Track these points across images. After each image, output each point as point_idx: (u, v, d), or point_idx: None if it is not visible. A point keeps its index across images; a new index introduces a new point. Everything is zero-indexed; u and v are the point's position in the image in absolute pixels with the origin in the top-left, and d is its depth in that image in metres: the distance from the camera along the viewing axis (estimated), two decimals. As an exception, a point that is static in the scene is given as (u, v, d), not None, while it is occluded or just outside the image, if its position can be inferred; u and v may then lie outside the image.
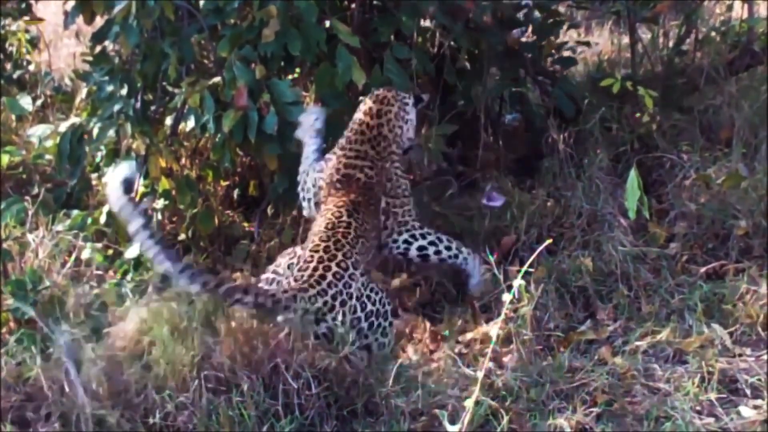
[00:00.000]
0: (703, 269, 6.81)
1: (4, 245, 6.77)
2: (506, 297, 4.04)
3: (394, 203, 6.63)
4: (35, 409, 5.53)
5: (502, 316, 4.04)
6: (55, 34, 11.55)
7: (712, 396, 5.63)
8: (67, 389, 5.46)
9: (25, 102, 9.17)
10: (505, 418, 5.45)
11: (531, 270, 6.46)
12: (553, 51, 8.49)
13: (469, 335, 6.46)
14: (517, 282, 3.98)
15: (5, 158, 8.44)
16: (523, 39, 8.38)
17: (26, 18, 10.13)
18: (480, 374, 4.00)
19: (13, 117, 9.39)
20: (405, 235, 6.62)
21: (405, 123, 6.83)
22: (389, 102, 6.78)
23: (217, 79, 7.11)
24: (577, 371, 5.95)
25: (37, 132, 8.40)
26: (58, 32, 11.41)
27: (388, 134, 6.71)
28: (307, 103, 7.93)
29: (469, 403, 3.87)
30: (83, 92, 8.91)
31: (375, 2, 7.69)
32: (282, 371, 5.55)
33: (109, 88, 7.56)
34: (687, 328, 6.27)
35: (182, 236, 7.83)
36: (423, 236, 6.65)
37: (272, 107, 6.75)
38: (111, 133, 7.49)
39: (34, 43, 10.42)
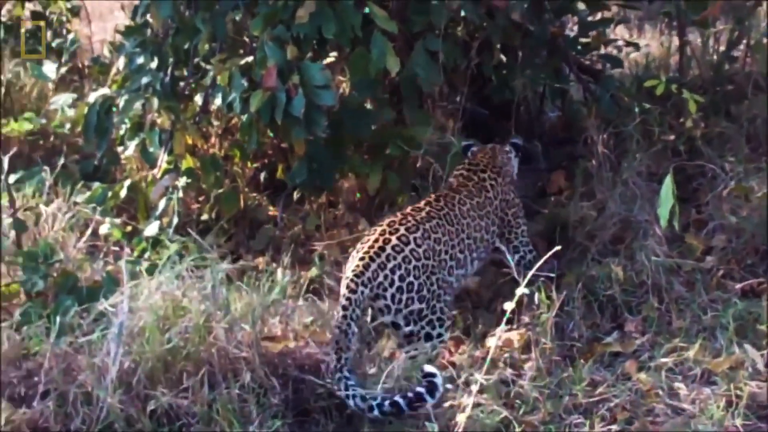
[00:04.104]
0: (739, 286, 6.56)
1: (20, 215, 6.62)
2: (508, 306, 3.82)
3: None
4: (32, 386, 5.39)
5: (503, 324, 3.85)
6: (105, 6, 11.47)
7: (738, 422, 5.39)
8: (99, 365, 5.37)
9: (49, 69, 9.04)
10: (518, 430, 5.26)
11: (553, 275, 6.33)
12: (599, 47, 8.25)
13: (490, 340, 6.26)
14: (520, 290, 3.75)
15: (25, 125, 8.29)
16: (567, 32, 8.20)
17: (67, -14, 10.05)
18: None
19: (50, 86, 9.25)
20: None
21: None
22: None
23: (250, 58, 6.94)
24: (599, 385, 5.76)
25: (59, 100, 8.28)
26: (109, 4, 11.32)
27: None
28: (343, 90, 7.78)
29: (461, 419, 3.67)
30: (120, 64, 8.75)
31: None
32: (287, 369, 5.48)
33: (140, 60, 7.43)
34: (717, 347, 6.02)
35: (205, 216, 7.65)
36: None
37: (301, 90, 6.56)
38: (137, 106, 7.35)
39: (75, 12, 10.30)
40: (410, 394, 5.38)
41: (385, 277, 5.90)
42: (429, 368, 5.50)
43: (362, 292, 5.80)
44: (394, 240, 6.01)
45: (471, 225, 6.50)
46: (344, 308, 5.71)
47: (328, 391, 5.51)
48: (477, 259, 6.60)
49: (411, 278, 5.98)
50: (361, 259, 5.93)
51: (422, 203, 6.43)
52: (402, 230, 6.08)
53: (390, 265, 5.93)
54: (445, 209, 6.39)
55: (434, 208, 6.36)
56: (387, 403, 5.36)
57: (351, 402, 5.39)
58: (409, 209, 6.36)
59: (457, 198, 6.52)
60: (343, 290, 5.82)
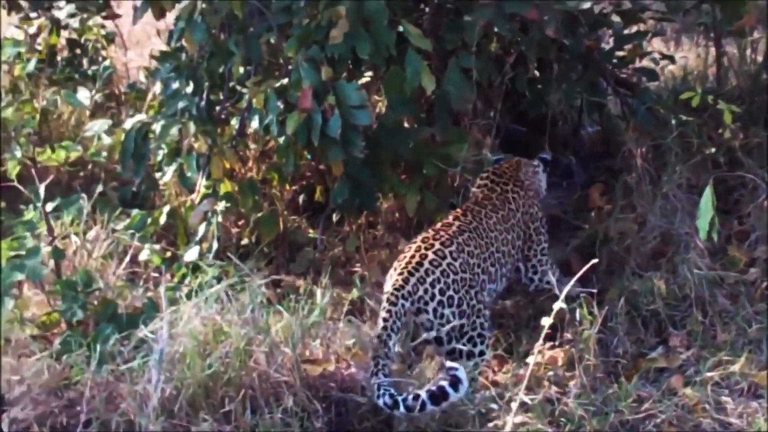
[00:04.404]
0: (783, 297, 6.49)
1: (59, 243, 6.62)
2: (545, 321, 3.79)
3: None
4: (74, 416, 5.38)
5: (540, 341, 3.81)
6: (142, 32, 11.50)
7: (786, 435, 5.33)
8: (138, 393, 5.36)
9: (83, 96, 9.04)
10: (563, 448, 5.22)
11: (594, 290, 6.25)
12: (635, 60, 8.17)
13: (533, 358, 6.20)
14: (557, 305, 3.71)
15: (62, 154, 8.28)
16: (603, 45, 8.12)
17: (103, 14, 10.06)
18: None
19: (86, 113, 9.25)
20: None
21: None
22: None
23: (285, 80, 6.93)
24: (645, 401, 5.71)
25: (94, 127, 8.27)
26: (146, 30, 11.33)
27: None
28: (379, 109, 7.74)
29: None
30: (157, 90, 8.76)
31: (449, 6, 7.41)
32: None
33: (175, 85, 7.42)
34: (763, 359, 5.97)
35: (245, 240, 7.62)
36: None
37: (337, 110, 6.53)
38: (174, 131, 7.34)
39: (110, 38, 10.33)
40: (433, 388, 5.35)
41: (426, 291, 5.90)
42: (450, 362, 5.48)
43: (403, 305, 5.81)
44: (430, 255, 6.02)
45: (499, 238, 6.51)
46: (384, 320, 5.74)
47: (373, 411, 5.47)
48: (505, 276, 6.60)
49: (451, 292, 5.97)
50: (400, 274, 5.94)
51: (450, 218, 6.46)
52: (437, 245, 6.09)
53: (429, 279, 5.93)
54: (473, 222, 6.41)
55: (463, 222, 6.38)
56: (410, 398, 5.33)
57: (380, 401, 5.38)
58: (439, 225, 6.39)
59: (483, 212, 6.53)
60: (384, 304, 5.84)
